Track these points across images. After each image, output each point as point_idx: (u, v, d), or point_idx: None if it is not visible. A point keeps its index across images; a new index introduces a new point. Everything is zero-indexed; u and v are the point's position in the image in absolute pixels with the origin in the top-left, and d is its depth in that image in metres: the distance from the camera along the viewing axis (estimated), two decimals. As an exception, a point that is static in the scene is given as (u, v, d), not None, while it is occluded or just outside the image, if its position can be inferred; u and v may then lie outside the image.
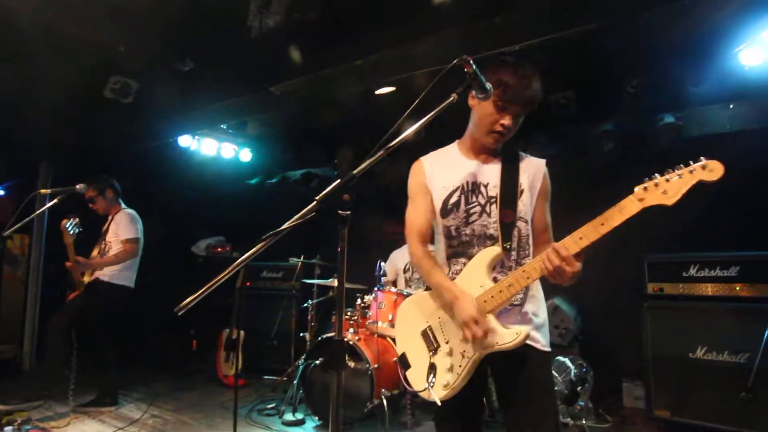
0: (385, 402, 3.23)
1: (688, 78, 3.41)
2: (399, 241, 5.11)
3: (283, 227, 0.98)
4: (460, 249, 1.56)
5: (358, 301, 3.87)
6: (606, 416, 3.54)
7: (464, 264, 1.54)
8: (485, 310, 1.43)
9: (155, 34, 3.18)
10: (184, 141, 5.00)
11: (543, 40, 2.56)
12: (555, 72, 3.39)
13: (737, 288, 3.14)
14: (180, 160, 5.31)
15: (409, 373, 1.61)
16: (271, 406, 3.82)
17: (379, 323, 3.55)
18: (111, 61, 3.46)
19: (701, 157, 1.22)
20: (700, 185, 1.22)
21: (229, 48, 3.24)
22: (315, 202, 1.05)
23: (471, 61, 1.25)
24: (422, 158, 1.70)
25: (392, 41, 2.84)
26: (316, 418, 3.43)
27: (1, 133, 4.50)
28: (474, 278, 1.48)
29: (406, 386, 1.62)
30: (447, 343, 1.51)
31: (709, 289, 3.24)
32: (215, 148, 5.29)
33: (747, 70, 3.13)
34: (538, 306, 1.56)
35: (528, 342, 1.43)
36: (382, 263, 3.91)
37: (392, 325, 3.55)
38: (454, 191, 1.58)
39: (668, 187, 1.23)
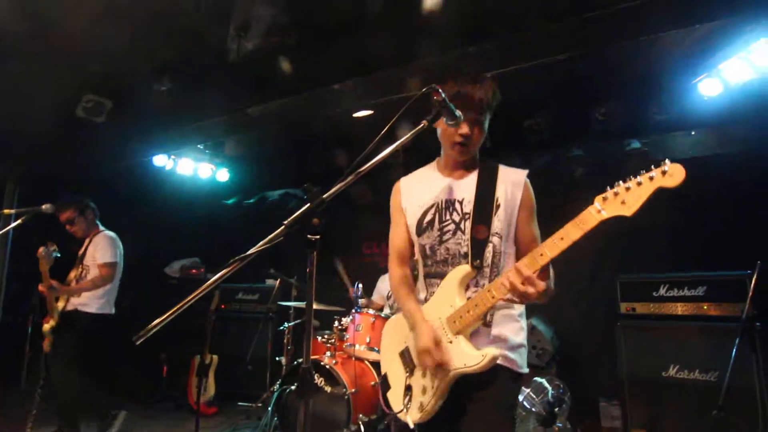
0: (362, 428, 3.16)
1: (653, 106, 3.58)
2: (379, 263, 5.10)
3: (251, 252, 0.97)
4: (434, 269, 1.53)
5: (336, 323, 3.82)
6: (584, 437, 3.54)
7: (438, 285, 1.52)
8: (455, 331, 1.40)
9: (132, 53, 3.15)
10: (159, 161, 4.93)
11: (515, 69, 2.66)
12: (527, 98, 3.50)
13: (705, 307, 3.23)
14: (155, 180, 5.22)
15: (389, 395, 1.59)
16: (244, 434, 3.68)
17: (357, 346, 3.50)
18: (85, 79, 3.41)
19: (665, 160, 1.13)
20: (661, 192, 1.14)
21: (207, 69, 3.24)
22: (283, 227, 1.04)
23: (440, 90, 1.28)
24: (401, 179, 1.70)
25: (369, 66, 2.89)
26: (291, 446, 3.32)
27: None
28: (445, 298, 1.46)
29: (385, 408, 1.58)
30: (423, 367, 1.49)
31: (678, 309, 3.32)
32: (192, 168, 5.22)
33: (706, 99, 3.31)
34: (512, 326, 1.49)
35: (500, 362, 1.39)
36: (360, 285, 3.88)
37: (370, 348, 3.51)
38: (428, 209, 1.56)
39: (627, 197, 1.16)
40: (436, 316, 1.47)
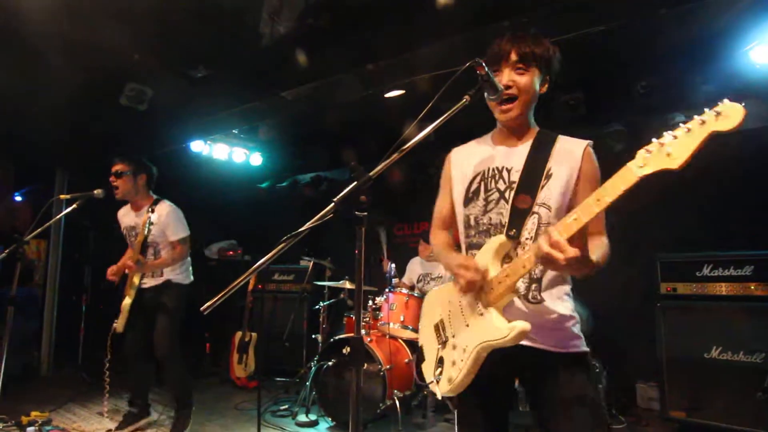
0: (397, 403, 3.25)
1: (697, 77, 3.40)
2: (408, 243, 5.14)
3: (303, 228, 1.01)
4: (476, 239, 1.47)
5: (370, 302, 3.91)
6: (620, 417, 3.52)
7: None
8: (486, 303, 1.34)
9: (168, 41, 3.24)
10: (196, 146, 5.09)
11: (551, 42, 2.57)
12: (564, 73, 3.39)
13: (752, 287, 3.11)
14: (192, 165, 5.40)
15: (423, 366, 1.57)
16: (284, 407, 3.85)
17: (391, 324, 3.57)
18: (125, 68, 3.53)
19: (724, 100, 0.96)
20: (715, 138, 0.96)
21: (241, 54, 3.29)
22: (333, 204, 1.07)
23: (483, 64, 1.26)
24: (453, 149, 1.63)
25: (401, 45, 2.87)
26: (329, 419, 3.45)
27: (17, 140, 4.62)
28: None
29: (418, 379, 1.60)
30: (453, 336, 1.45)
31: (723, 289, 3.21)
32: (227, 152, 5.37)
33: (758, 68, 3.12)
34: (556, 303, 1.39)
35: (541, 346, 1.33)
36: (393, 265, 3.94)
37: (404, 326, 3.58)
38: (474, 177, 1.50)
39: (674, 147, 1.00)
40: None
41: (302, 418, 3.59)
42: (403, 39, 2.83)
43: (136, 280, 3.13)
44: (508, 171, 1.44)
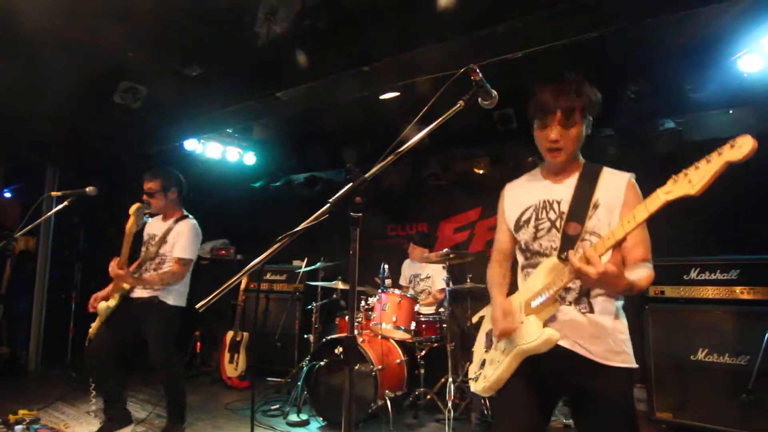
0: (389, 403, 3.26)
1: (687, 84, 3.46)
2: (402, 244, 5.17)
3: (299, 228, 1.02)
4: (531, 261, 1.60)
5: (362, 303, 3.92)
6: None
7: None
8: (528, 312, 1.48)
9: (162, 39, 3.23)
10: (190, 144, 5.07)
11: (545, 48, 2.61)
12: (556, 77, 3.43)
13: (738, 291, 3.17)
14: (185, 164, 5.37)
15: (470, 366, 1.77)
16: (275, 407, 3.85)
17: (383, 325, 3.58)
18: (119, 66, 3.51)
19: (740, 136, 1.08)
20: (731, 168, 1.09)
21: (237, 54, 3.29)
22: (328, 205, 1.09)
23: (477, 70, 1.29)
24: (507, 184, 1.78)
25: (397, 48, 2.89)
26: (321, 418, 3.46)
27: (8, 137, 4.57)
28: (530, 285, 1.54)
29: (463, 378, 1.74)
30: (498, 342, 1.61)
31: (709, 292, 3.27)
32: (220, 151, 5.35)
33: (746, 76, 3.18)
34: (604, 316, 1.47)
35: (588, 356, 1.42)
36: (385, 266, 3.95)
37: (396, 327, 3.59)
38: (527, 209, 1.63)
39: (694, 176, 1.12)
40: (518, 301, 1.55)
41: (293, 417, 3.59)
42: (399, 41, 2.85)
43: (125, 285, 3.03)
44: (558, 203, 1.56)
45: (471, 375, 1.70)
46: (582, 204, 1.49)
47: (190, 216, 3.29)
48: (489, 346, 1.66)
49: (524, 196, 1.67)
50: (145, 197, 3.16)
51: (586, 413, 1.47)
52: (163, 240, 3.12)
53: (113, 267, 2.97)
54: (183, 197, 3.31)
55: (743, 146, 1.06)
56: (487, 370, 1.59)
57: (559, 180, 1.60)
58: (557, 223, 1.53)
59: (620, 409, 1.44)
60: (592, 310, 1.47)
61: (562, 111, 1.46)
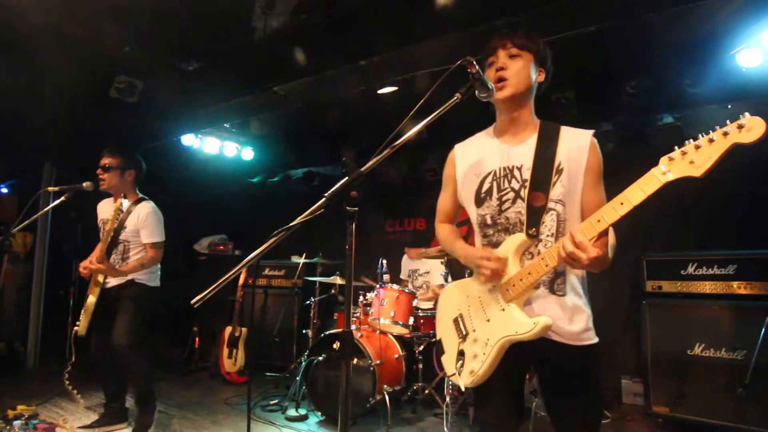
0: (387, 397, 3.27)
1: (686, 79, 3.45)
2: (401, 240, 5.18)
3: (295, 222, 1.02)
4: (495, 239, 1.49)
5: (360, 298, 3.92)
6: (606, 413, 3.58)
7: None
8: (507, 299, 1.40)
9: (159, 34, 3.21)
10: (187, 140, 5.04)
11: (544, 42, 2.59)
12: (555, 72, 3.43)
13: (735, 286, 3.18)
14: (182, 159, 5.35)
15: (443, 359, 1.64)
16: (274, 402, 3.86)
17: (381, 320, 3.59)
18: (115, 61, 3.49)
19: (745, 114, 1.00)
20: (735, 150, 1.02)
21: (234, 48, 3.27)
22: (324, 199, 1.08)
23: (474, 62, 1.28)
24: (456, 146, 1.65)
25: (395, 42, 2.87)
26: (319, 413, 3.47)
27: (4, 133, 4.55)
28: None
29: (438, 370, 1.65)
30: (474, 331, 1.51)
31: (707, 287, 3.28)
32: (218, 146, 5.33)
33: (745, 71, 3.17)
34: (574, 297, 1.44)
35: (560, 340, 1.39)
36: (384, 261, 3.96)
37: (394, 322, 3.60)
38: (485, 177, 1.51)
39: (696, 156, 1.05)
40: (490, 284, 1.47)
41: (292, 412, 3.60)
42: (397, 36, 2.84)
43: (100, 278, 3.03)
44: (519, 169, 1.46)
45: (449, 371, 1.57)
46: (545, 169, 1.41)
47: (147, 198, 3.25)
48: (463, 335, 1.54)
49: (479, 162, 1.54)
50: (99, 171, 3.10)
51: (556, 393, 1.47)
52: (122, 225, 3.06)
53: (91, 263, 2.93)
54: (140, 183, 3.26)
55: (754, 129, 0.99)
56: (472, 363, 1.48)
57: (516, 141, 1.50)
58: (522, 193, 1.43)
59: (589, 386, 1.45)
60: (564, 293, 1.43)
61: (512, 42, 1.46)
